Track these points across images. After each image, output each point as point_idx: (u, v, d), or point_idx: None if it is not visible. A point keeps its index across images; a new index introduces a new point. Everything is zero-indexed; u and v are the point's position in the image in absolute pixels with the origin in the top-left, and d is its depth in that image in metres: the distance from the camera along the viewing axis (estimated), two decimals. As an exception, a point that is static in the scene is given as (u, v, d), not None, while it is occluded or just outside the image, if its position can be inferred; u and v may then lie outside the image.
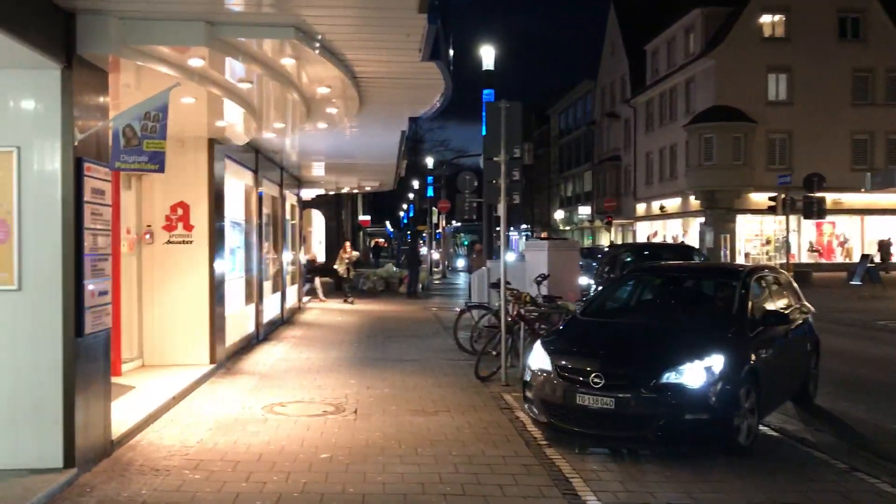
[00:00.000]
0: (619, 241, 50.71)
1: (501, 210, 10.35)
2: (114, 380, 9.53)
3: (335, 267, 24.81)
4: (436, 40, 7.13)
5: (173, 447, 7.18)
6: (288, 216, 19.86)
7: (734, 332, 7.57)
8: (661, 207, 49.97)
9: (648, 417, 6.76)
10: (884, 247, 32.43)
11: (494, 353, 10.76)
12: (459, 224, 42.05)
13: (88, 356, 6.40)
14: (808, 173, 26.31)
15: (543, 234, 53.13)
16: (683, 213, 47.40)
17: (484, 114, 20.23)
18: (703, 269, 11.31)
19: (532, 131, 74.25)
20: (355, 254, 26.16)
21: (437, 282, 34.81)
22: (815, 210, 23.91)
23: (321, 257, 31.15)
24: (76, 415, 6.11)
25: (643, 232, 53.58)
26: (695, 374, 6.85)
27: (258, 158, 14.98)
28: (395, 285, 29.01)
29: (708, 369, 6.87)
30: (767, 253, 43.88)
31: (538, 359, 7.66)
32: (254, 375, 10.96)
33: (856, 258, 43.66)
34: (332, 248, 31.09)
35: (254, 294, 14.66)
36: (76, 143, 6.05)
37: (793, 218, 43.57)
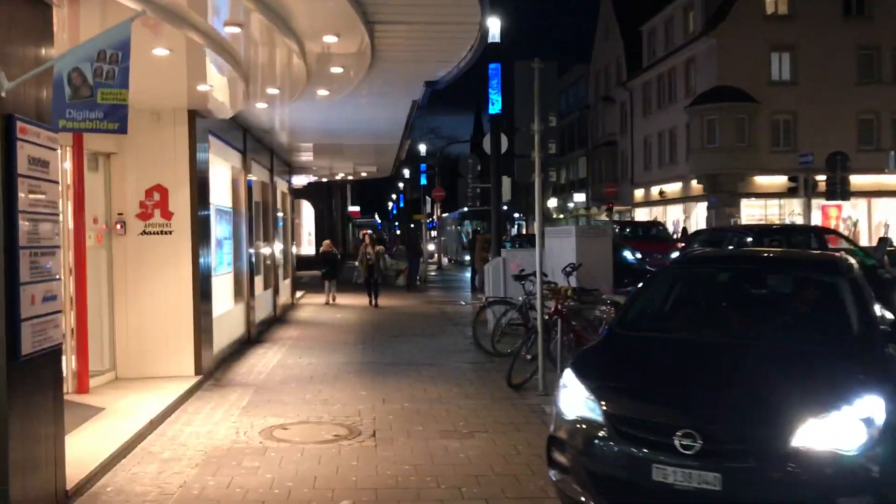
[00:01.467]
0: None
1: (536, 189, 8.77)
2: (80, 399, 7.94)
3: (356, 264, 21.11)
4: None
5: (149, 495, 5.57)
6: (279, 205, 18.21)
7: (879, 356, 4.94)
8: (661, 192, 48.54)
9: None
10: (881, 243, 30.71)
11: (529, 356, 9.18)
12: (465, 210, 37.39)
13: (28, 384, 4.78)
14: (832, 152, 24.80)
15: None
16: (685, 199, 46.00)
17: (488, 82, 18.70)
18: (783, 259, 7.27)
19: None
20: (380, 248, 21.02)
21: (433, 274, 33.21)
22: (838, 191, 22.46)
23: (309, 250, 29.38)
24: (10, 464, 4.50)
25: (642, 218, 52.19)
26: (848, 428, 4.22)
27: (247, 138, 13.32)
28: (392, 278, 27.42)
29: (867, 421, 4.25)
30: (771, 238, 42.57)
31: (575, 400, 4.80)
32: (248, 388, 9.34)
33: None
34: (321, 241, 29.33)
35: (244, 291, 13.04)
36: (3, 94, 4.42)
37: (797, 202, 42.66)
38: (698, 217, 44.13)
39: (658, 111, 49.38)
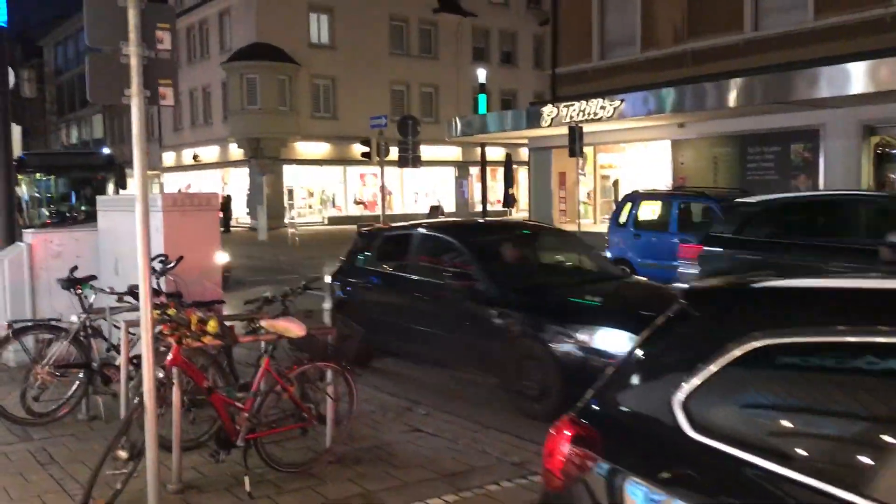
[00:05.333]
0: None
1: (134, 119, 4.40)
2: None
3: None
4: None
5: None
6: None
7: None
8: (195, 157, 44.04)
9: None
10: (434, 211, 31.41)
11: (125, 453, 4.73)
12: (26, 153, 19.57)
13: None
14: (403, 116, 23.43)
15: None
16: (223, 164, 42.24)
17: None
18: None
19: (19, 65, 60.89)
20: None
21: None
22: (410, 158, 21.05)
23: None
24: None
25: (173, 185, 47.00)
26: None
27: None
28: None
29: None
30: (310, 206, 41.31)
31: None
32: None
33: (397, 209, 43.71)
34: None
35: None
36: None
37: (337, 169, 41.96)
38: (240, 185, 40.78)
39: (188, 66, 44.50)
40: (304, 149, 40.29)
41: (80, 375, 6.47)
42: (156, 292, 6.75)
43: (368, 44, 41.49)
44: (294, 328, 4.92)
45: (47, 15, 55.77)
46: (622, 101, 18.22)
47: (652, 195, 14.34)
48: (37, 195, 19.22)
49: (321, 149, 40.89)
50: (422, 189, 44.77)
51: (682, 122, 19.43)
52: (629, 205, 14.06)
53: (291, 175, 39.69)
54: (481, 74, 32.05)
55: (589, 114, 18.70)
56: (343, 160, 41.24)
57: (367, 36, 41.40)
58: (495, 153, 38.18)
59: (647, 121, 19.01)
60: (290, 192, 35.17)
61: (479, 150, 44.54)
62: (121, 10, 4.19)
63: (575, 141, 17.86)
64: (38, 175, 19.11)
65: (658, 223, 13.72)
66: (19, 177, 17.66)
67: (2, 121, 11.55)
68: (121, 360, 5.87)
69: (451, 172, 45.70)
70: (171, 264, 6.70)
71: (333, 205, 42.28)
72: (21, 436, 6.18)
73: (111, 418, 6.39)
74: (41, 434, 6.19)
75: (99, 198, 9.20)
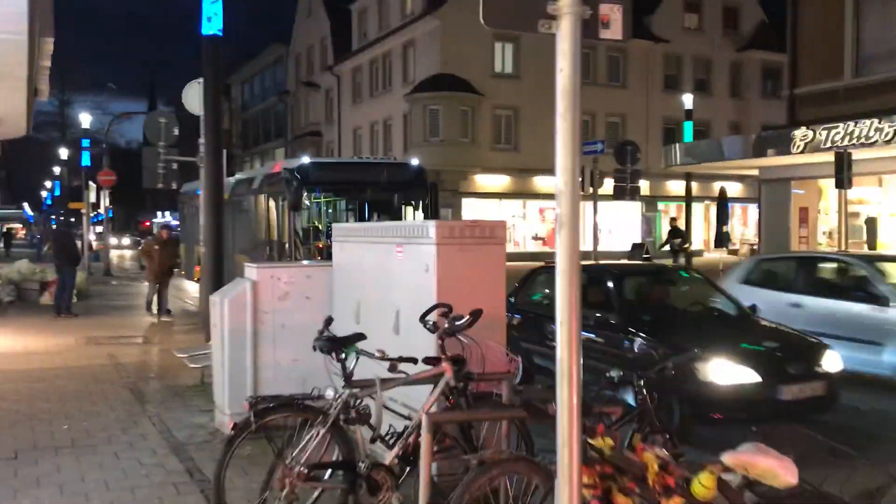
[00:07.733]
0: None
1: (562, 56, 2.30)
2: None
3: None
4: None
5: None
6: None
7: None
8: (375, 189, 43.49)
9: None
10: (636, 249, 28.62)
11: None
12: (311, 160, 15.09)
13: None
14: (622, 141, 21.14)
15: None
16: (402, 197, 41.31)
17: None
18: None
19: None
20: None
21: (98, 286, 24.39)
22: (627, 189, 18.64)
23: None
24: None
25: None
26: None
27: None
28: (34, 294, 18.71)
29: None
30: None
31: None
32: None
33: (587, 246, 41.05)
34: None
35: None
36: None
37: (516, 202, 40.05)
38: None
39: (371, 99, 44.33)
40: (483, 181, 38.75)
41: (339, 477, 4.51)
42: (434, 360, 4.76)
43: (553, 73, 39.02)
44: (784, 472, 2.64)
45: (236, 56, 57.70)
46: (906, 120, 15.01)
47: None
48: (318, 216, 15.49)
49: (501, 181, 39.21)
50: (604, 225, 41.84)
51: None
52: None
53: (470, 208, 38.15)
54: (687, 100, 29.23)
55: (858, 137, 15.58)
56: (522, 193, 39.39)
57: (552, 65, 38.73)
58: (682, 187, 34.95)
59: (929, 146, 15.64)
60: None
61: (667, 184, 41.95)
62: None
63: (843, 170, 14.81)
64: (321, 191, 15.01)
65: None
66: (308, 195, 14.37)
67: (213, 131, 10.29)
68: (421, 468, 3.84)
69: (636, 208, 42.51)
70: (464, 320, 4.65)
71: (512, 240, 40.32)
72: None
73: (377, 542, 4.38)
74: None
75: (335, 225, 7.42)
